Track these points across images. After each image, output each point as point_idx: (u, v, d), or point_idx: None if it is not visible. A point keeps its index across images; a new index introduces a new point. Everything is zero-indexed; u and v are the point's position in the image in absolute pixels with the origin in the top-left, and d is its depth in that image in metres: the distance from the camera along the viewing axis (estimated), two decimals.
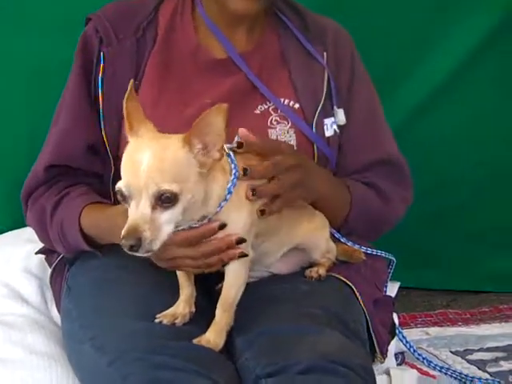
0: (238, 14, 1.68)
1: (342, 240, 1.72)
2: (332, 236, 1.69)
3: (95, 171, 1.72)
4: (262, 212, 1.44)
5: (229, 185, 1.37)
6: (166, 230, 1.27)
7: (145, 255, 1.28)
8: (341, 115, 1.79)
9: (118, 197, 1.30)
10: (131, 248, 1.24)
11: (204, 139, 1.30)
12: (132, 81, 1.38)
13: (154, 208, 1.25)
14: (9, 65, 2.34)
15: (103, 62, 1.70)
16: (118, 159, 1.56)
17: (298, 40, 1.79)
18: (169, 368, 1.32)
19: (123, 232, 1.25)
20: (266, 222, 1.48)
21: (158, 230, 1.25)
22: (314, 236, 1.62)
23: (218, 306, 1.43)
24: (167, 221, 1.27)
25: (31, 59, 2.33)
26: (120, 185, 1.28)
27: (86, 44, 1.74)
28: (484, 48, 2.50)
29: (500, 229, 2.74)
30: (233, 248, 1.39)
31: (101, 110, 1.69)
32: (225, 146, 1.37)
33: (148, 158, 1.25)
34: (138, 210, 1.25)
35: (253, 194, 1.42)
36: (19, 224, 2.30)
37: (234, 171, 1.39)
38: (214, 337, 1.40)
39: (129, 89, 1.35)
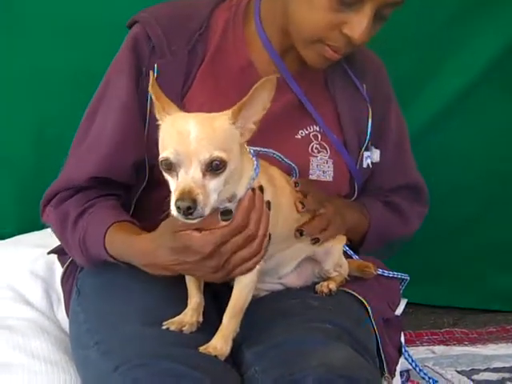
0: (310, 65, 1.66)
1: (353, 257, 1.71)
2: (344, 253, 1.69)
3: (131, 184, 1.65)
4: (300, 232, 1.53)
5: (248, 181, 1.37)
6: (214, 197, 1.27)
7: (195, 221, 1.27)
8: (376, 155, 1.80)
9: (162, 167, 1.28)
10: (187, 210, 1.23)
11: (249, 110, 1.31)
12: (151, 72, 1.38)
13: (203, 175, 1.26)
14: (14, 70, 2.35)
15: (157, 74, 1.59)
16: (153, 169, 1.56)
17: (343, 69, 1.77)
18: (174, 375, 1.31)
19: (177, 195, 1.23)
20: (280, 232, 1.47)
21: (207, 196, 1.25)
22: (328, 245, 1.61)
23: (227, 311, 1.42)
24: (214, 188, 1.27)
25: (38, 65, 2.33)
26: (166, 154, 1.26)
27: (136, 47, 1.63)
28: (498, 62, 2.51)
29: (511, 245, 2.72)
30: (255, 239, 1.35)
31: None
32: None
33: (197, 128, 1.26)
34: (189, 176, 1.25)
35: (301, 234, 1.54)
36: (27, 227, 2.32)
37: (256, 169, 1.39)
38: (220, 344, 1.39)
39: (151, 77, 1.35)
